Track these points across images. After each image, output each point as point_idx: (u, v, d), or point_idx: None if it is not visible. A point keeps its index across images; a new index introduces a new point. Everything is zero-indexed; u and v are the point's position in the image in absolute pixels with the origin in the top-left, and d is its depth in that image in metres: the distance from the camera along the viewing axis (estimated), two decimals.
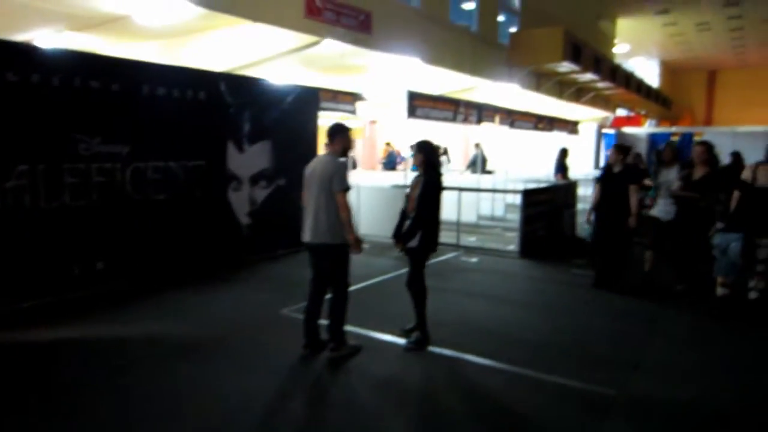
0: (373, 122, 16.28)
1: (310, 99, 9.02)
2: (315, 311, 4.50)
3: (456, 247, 9.09)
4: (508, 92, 15.60)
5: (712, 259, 5.54)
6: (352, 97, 10.26)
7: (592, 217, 6.95)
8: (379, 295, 6.43)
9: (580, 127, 17.99)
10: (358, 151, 16.94)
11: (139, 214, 6.55)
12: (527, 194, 8.63)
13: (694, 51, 27.41)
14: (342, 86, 10.74)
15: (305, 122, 8.97)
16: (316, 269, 4.51)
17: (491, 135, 15.47)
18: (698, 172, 6.14)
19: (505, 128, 13.20)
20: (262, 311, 5.65)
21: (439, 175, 4.80)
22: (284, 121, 8.47)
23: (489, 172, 14.99)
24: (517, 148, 16.19)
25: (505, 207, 11.94)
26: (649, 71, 28.75)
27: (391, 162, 15.85)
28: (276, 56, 9.12)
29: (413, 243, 4.68)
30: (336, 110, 9.91)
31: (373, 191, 10.24)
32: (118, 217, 6.34)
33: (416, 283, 4.78)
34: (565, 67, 13.86)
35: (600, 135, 20.06)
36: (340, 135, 4.51)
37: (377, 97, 10.92)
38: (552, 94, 16.33)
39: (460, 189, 9.26)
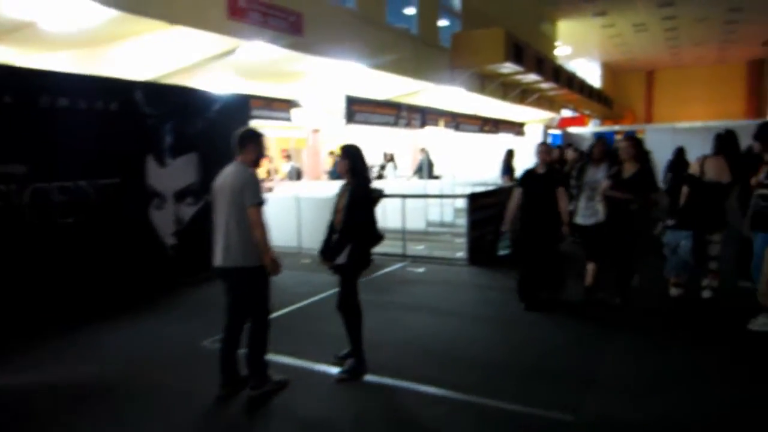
0: (316, 131, 15.73)
1: (239, 107, 8.45)
2: (232, 345, 3.94)
3: (402, 257, 8.65)
4: (453, 95, 15.37)
5: (662, 258, 5.26)
6: (288, 104, 9.74)
7: (513, 226, 6.07)
8: (314, 317, 5.90)
9: (526, 128, 17.97)
10: (303, 161, 16.38)
11: (43, 241, 5.81)
12: (473, 198, 8.28)
13: (633, 52, 28.05)
14: (282, 94, 10.22)
15: (234, 131, 8.37)
16: (231, 296, 3.96)
17: (438, 139, 15.20)
18: (628, 170, 5.48)
19: (451, 132, 12.92)
20: (182, 344, 5.04)
21: (367, 182, 4.34)
22: (212, 132, 7.85)
23: (436, 177, 14.68)
24: (464, 152, 15.95)
25: (454, 212, 11.61)
26: (591, 72, 29.30)
27: (336, 171, 15.33)
28: (201, 63, 8.49)
29: (341, 259, 4.20)
30: (270, 118, 9.37)
31: (315, 202, 9.72)
32: (16, 245, 5.59)
33: (349, 304, 4.29)
34: (508, 68, 13.71)
35: (546, 135, 20.13)
36: (252, 142, 4.01)
37: (315, 103, 10.44)
38: (497, 96, 16.20)
39: (404, 196, 8.84)
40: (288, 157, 15.49)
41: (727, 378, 4.08)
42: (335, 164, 15.36)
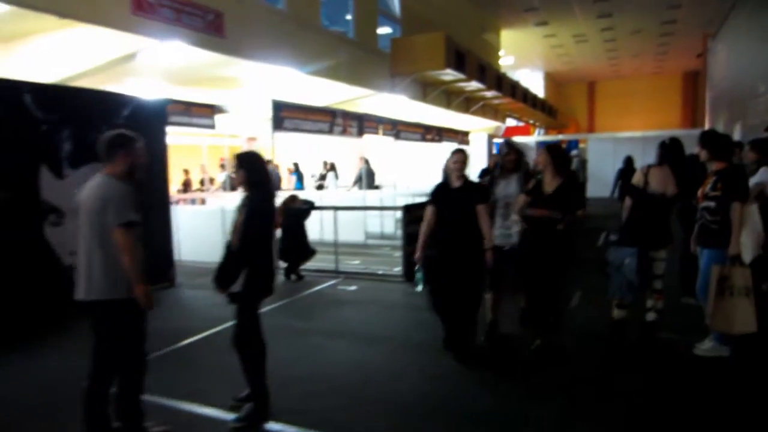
0: (252, 139, 14.99)
1: (154, 112, 7.70)
2: (98, 395, 3.25)
3: (335, 273, 8.07)
4: (397, 103, 14.99)
5: (605, 276, 4.83)
6: (211, 110, 9.05)
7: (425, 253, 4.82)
8: (222, 347, 5.17)
9: (471, 137, 17.78)
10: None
11: None
12: (408, 210, 7.80)
13: (575, 63, 28.55)
14: (214, 101, 9.54)
15: (149, 140, 7.61)
16: (96, 335, 3.28)
17: (381, 148, 14.75)
18: (550, 184, 4.49)
19: (390, 140, 12.49)
20: (65, 384, 4.28)
21: (268, 195, 3.75)
22: None
23: (377, 188, 14.21)
24: (407, 161, 15.57)
25: (395, 223, 11.13)
26: (534, 83, 29.64)
27: (273, 180, 14.63)
28: (108, 65, 7.73)
29: (237, 287, 3.59)
30: (191, 125, 8.66)
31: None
32: None
33: (246, 339, 3.68)
34: (450, 75, 13.40)
35: (491, 144, 20.00)
36: (123, 150, 3.37)
37: (247, 110, 9.78)
38: (440, 104, 15.91)
39: (336, 208, 8.28)
40: (223, 166, 14.69)
41: None
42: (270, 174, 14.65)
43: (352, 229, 10.15)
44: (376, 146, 14.08)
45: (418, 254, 4.78)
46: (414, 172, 15.68)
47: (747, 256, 4.31)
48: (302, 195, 12.48)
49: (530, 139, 24.49)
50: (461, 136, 16.36)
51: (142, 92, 8.52)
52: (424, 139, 13.73)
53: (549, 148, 4.61)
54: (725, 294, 4.27)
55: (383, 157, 15.25)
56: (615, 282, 4.62)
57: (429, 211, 4.75)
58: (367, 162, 13.39)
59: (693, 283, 4.78)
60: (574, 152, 10.18)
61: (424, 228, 4.77)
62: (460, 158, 4.65)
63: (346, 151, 16.70)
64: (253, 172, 3.69)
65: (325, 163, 15.64)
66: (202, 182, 15.59)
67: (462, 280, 4.57)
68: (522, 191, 4.69)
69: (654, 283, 4.74)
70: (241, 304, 3.67)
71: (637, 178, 4.81)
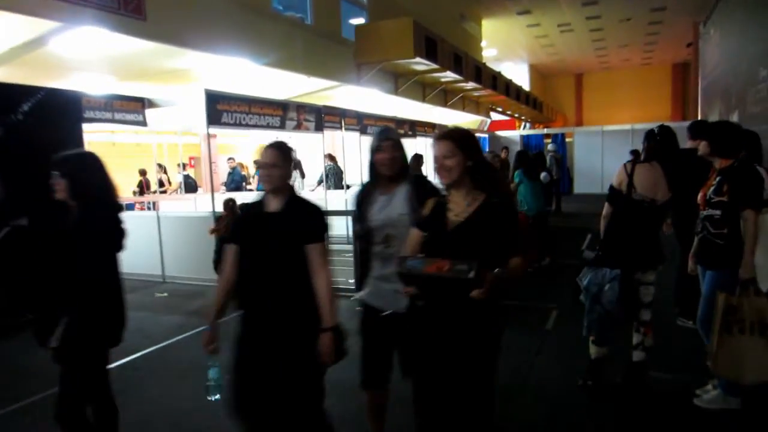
0: (212, 136, 13.88)
1: (65, 106, 6.64)
2: None
3: None
4: (369, 96, 13.93)
5: (579, 305, 3.79)
6: (140, 104, 7.94)
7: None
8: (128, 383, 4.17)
9: None
10: (206, 170, 14.48)
11: None
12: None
13: (560, 54, 27.55)
14: (168, 96, 8.50)
15: (60, 138, 6.56)
16: None
17: (352, 144, 13.68)
18: (459, 207, 2.35)
19: (356, 136, 11.43)
20: None
21: (105, 212, 2.71)
22: (21, 137, 6.05)
23: (347, 187, 13.15)
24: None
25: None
26: (519, 76, 28.63)
27: (235, 181, 13.54)
28: (10, 54, 6.62)
29: (54, 341, 2.54)
30: (114, 121, 7.56)
31: (179, 221, 7.99)
32: None
33: (74, 415, 2.62)
34: (421, 64, 12.34)
35: None
36: None
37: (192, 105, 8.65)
38: (413, 96, 14.84)
39: None
40: (182, 165, 13.56)
41: None
42: (233, 172, 13.59)
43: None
44: (350, 143, 13.01)
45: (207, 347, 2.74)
46: None
47: (764, 282, 3.29)
48: (244, 197, 11.36)
49: (515, 133, 23.52)
50: (438, 131, 15.29)
51: (89, 88, 7.54)
52: None
53: (451, 132, 2.41)
54: (733, 330, 3.25)
55: (355, 155, 14.20)
56: (592, 314, 3.56)
57: (230, 254, 2.70)
58: (333, 159, 12.33)
59: (693, 303, 3.77)
60: (550, 147, 9.16)
61: (220, 285, 2.77)
62: (276, 153, 2.56)
63: (314, 148, 15.65)
64: (80, 180, 2.64)
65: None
66: (161, 183, 14.48)
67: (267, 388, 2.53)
68: (412, 219, 2.59)
69: (641, 314, 3.67)
70: (64, 364, 2.62)
71: (618, 179, 3.74)
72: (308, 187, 13.25)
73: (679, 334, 4.81)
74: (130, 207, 13.51)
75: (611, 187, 3.77)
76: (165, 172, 14.31)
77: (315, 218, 2.58)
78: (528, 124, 29.75)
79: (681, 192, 3.82)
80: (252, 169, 19.95)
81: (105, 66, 10.66)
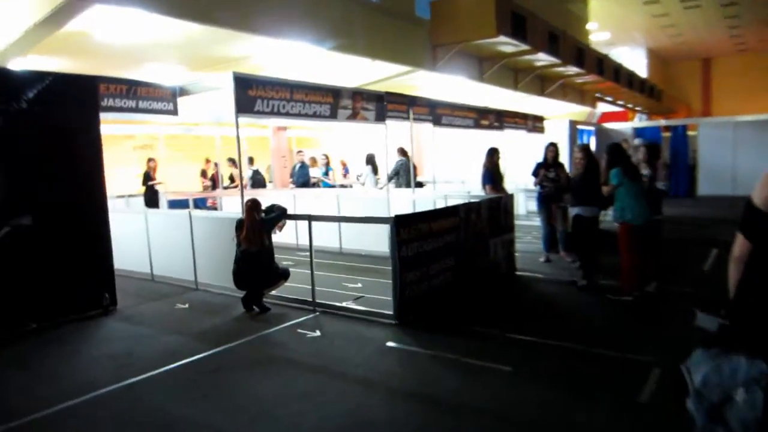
0: (281, 128, 13.15)
1: (78, 93, 5.96)
2: None
3: (311, 306, 5.91)
4: (452, 83, 12.57)
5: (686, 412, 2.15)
6: (168, 92, 7.15)
7: None
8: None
9: (547, 123, 14.79)
10: (275, 165, 13.84)
11: None
12: (402, 222, 5.39)
13: (684, 35, 24.28)
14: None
15: (73, 128, 5.90)
16: None
17: (433, 137, 12.35)
18: None
19: (428, 127, 10.10)
20: None
21: None
22: (28, 126, 5.48)
23: (420, 185, 11.82)
24: (463, 153, 13.05)
25: None
26: (636, 62, 25.59)
27: (303, 176, 12.67)
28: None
29: None
30: (138, 110, 6.81)
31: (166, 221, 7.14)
32: None
33: None
34: (508, 44, 10.72)
35: (575, 132, 16.80)
36: None
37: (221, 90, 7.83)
38: (503, 83, 13.19)
39: (311, 218, 6.06)
40: (250, 160, 12.93)
41: None
42: (296, 168, 12.74)
43: (377, 240, 8.04)
44: (430, 135, 11.70)
45: None
46: (471, 166, 13.11)
47: None
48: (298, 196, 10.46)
49: (625, 126, 20.83)
50: (531, 122, 13.49)
51: (160, 79, 7.16)
52: (477, 126, 11.14)
53: None
54: None
55: (433, 148, 12.87)
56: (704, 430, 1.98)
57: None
58: (404, 154, 11.04)
59: None
60: (636, 141, 7.21)
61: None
62: None
63: (399, 141, 14.52)
64: None
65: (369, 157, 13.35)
66: (231, 179, 14.00)
67: None
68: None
69: None
70: None
71: (763, 195, 2.09)
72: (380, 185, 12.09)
73: None
74: (202, 202, 13.14)
75: (750, 207, 2.12)
76: (236, 167, 13.79)
77: None
78: (644, 116, 26.63)
79: None
80: (336, 163, 19.22)
81: (171, 55, 10.25)
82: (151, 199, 12.52)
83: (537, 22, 10.98)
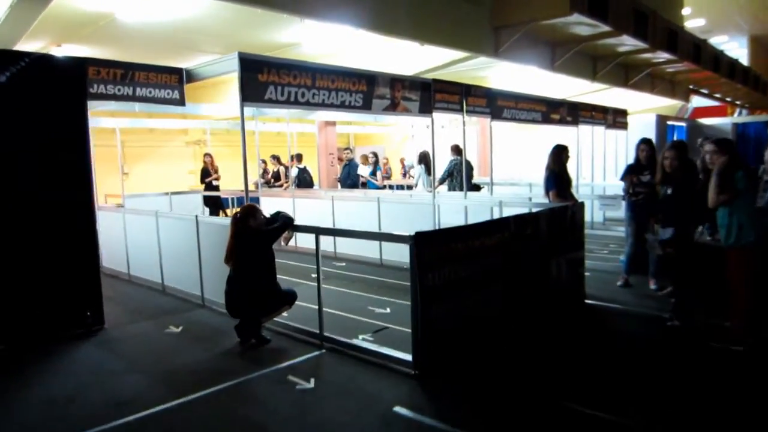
0: (329, 123, 12.13)
1: (61, 76, 5.14)
2: None
3: (318, 340, 4.77)
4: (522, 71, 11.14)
5: None
6: (178, 77, 6.20)
7: None
8: None
9: (631, 118, 12.89)
10: (322, 164, 12.86)
11: None
12: (426, 242, 4.09)
13: None
14: None
15: (55, 116, 5.09)
16: None
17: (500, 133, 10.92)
18: None
19: (487, 122, 8.71)
20: None
21: None
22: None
23: (476, 188, 10.42)
24: (527, 151, 11.51)
25: None
26: (736, 52, 22.65)
27: (351, 176, 11.58)
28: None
29: None
30: (135, 98, 5.90)
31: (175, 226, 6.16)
32: None
33: None
34: (584, 26, 9.11)
35: (663, 128, 14.66)
36: None
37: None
38: (580, 73, 11.52)
39: (318, 230, 4.87)
40: (298, 157, 11.98)
41: None
42: (347, 166, 11.66)
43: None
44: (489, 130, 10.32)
45: None
46: (536, 165, 11.53)
47: None
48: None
49: (724, 121, 18.31)
50: (612, 117, 11.71)
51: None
52: (546, 120, 9.61)
53: None
54: None
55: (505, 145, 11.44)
56: None
57: None
58: (459, 152, 9.68)
59: None
60: (707, 147, 5.43)
61: None
62: None
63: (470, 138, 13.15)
64: None
65: (422, 155, 12.01)
66: (276, 176, 13.16)
67: None
68: None
69: None
70: None
71: None
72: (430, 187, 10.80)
73: None
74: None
75: None
76: (281, 163, 12.92)
77: None
78: (744, 111, 23.61)
79: None
80: (395, 162, 17.99)
81: (213, 44, 9.52)
82: (212, 197, 11.87)
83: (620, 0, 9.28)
